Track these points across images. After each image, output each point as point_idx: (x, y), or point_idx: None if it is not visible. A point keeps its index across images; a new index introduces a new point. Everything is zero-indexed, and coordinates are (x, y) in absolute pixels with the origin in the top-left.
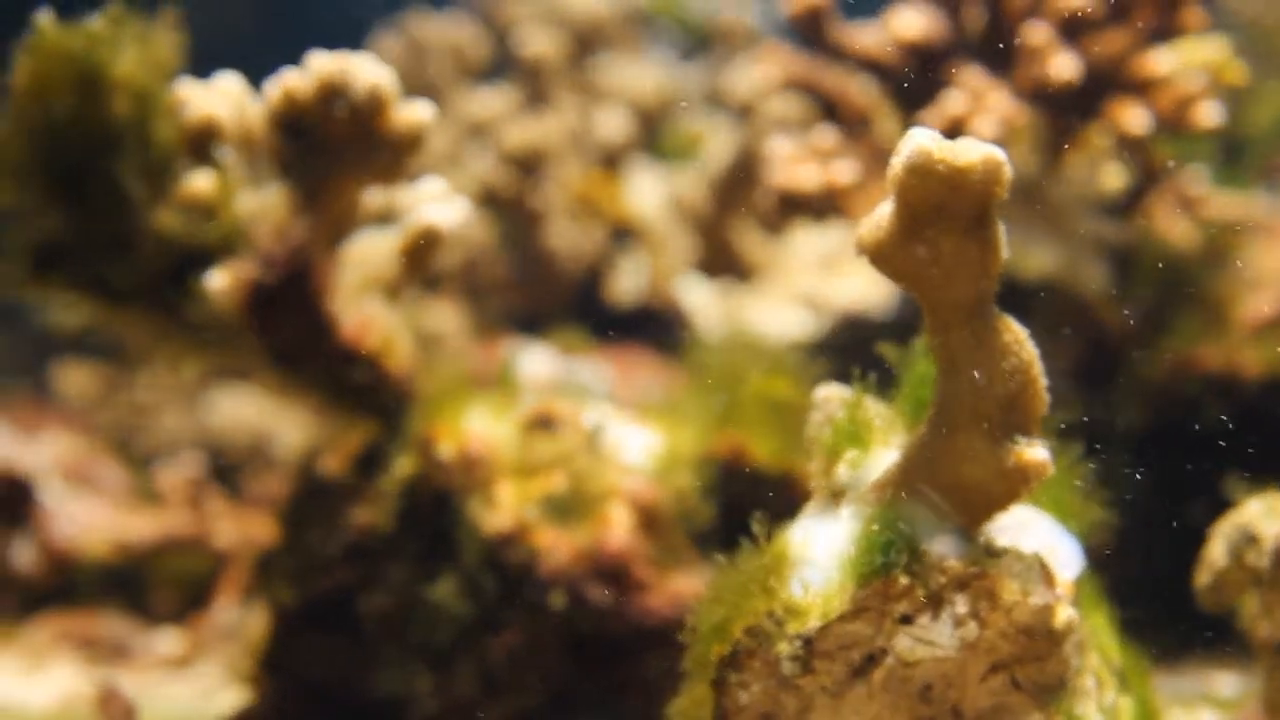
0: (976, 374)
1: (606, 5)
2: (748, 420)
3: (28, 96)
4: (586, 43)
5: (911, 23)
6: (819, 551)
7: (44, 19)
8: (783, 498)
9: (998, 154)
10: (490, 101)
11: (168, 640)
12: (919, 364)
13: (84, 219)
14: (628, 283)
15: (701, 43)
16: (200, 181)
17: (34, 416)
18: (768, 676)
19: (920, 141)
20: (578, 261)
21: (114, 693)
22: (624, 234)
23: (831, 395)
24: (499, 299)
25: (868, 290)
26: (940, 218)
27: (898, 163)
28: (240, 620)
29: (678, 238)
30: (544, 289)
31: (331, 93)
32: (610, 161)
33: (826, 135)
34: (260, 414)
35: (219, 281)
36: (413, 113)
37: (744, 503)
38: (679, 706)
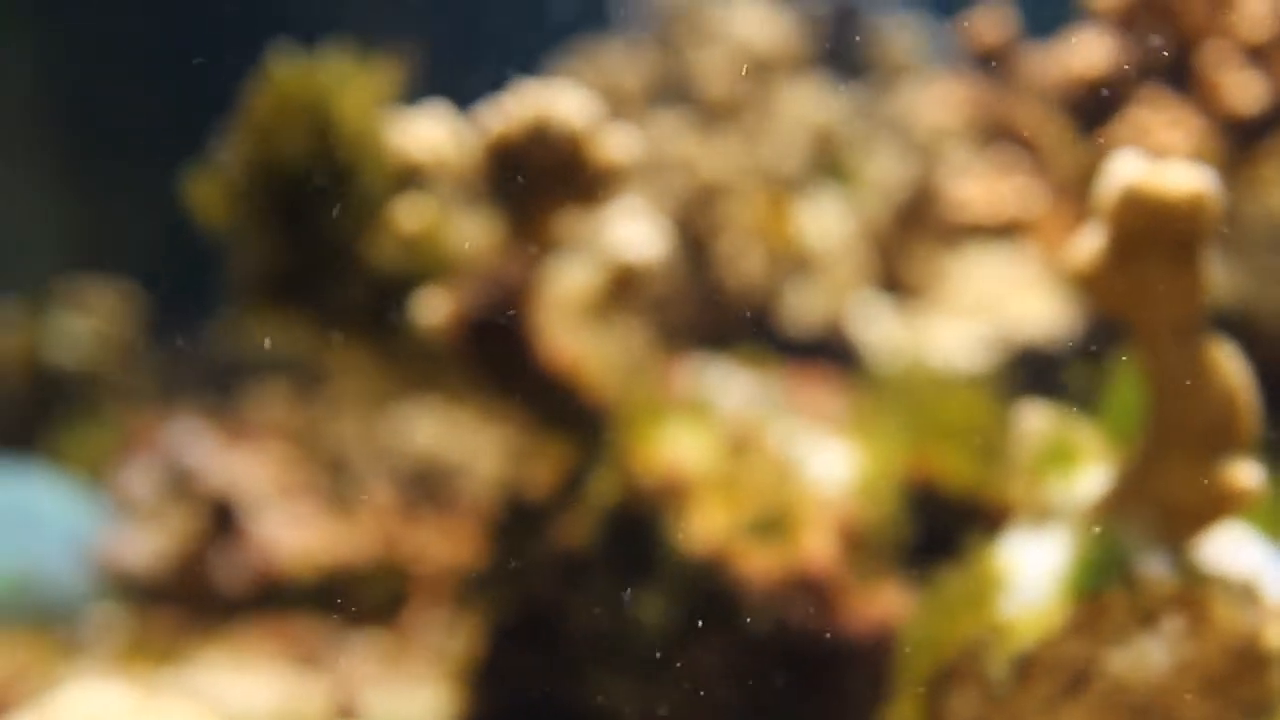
0: (1186, 395)
1: (776, 31)
2: (938, 442)
3: (260, 135)
4: (758, 68)
5: (1092, 51)
6: (1029, 571)
7: (276, 60)
8: (977, 519)
9: (1207, 180)
10: (666, 126)
11: (369, 650)
12: (1123, 384)
13: (305, 249)
14: (802, 307)
15: (858, 70)
16: (413, 213)
17: (232, 434)
18: (979, 694)
19: (1130, 168)
20: (753, 286)
21: (337, 695)
22: (798, 259)
23: (1035, 416)
24: (676, 318)
25: (1046, 315)
26: (1150, 244)
27: (1107, 189)
28: (440, 633)
29: (852, 264)
30: (720, 312)
31: (541, 125)
32: (784, 187)
33: (1008, 162)
34: (451, 434)
35: (431, 309)
36: (616, 143)
37: (939, 524)
38: None
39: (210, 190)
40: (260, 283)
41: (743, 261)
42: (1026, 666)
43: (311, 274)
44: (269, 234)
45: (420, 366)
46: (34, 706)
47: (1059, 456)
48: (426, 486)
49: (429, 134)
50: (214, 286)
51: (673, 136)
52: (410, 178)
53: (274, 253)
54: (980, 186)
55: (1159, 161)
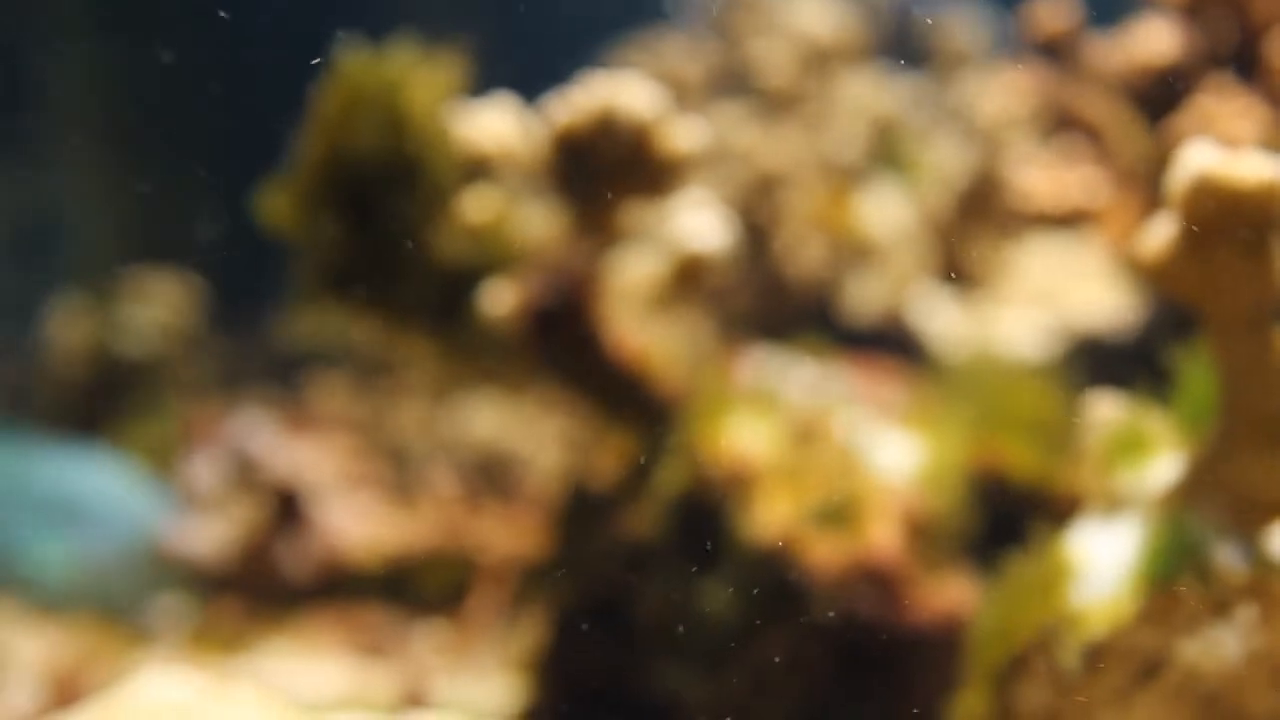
0: (1258, 384)
1: (835, 21)
2: (1004, 432)
3: (331, 127)
4: (817, 58)
5: (1158, 39)
6: (1100, 560)
7: (346, 55)
8: (1043, 510)
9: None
10: (726, 117)
11: (434, 638)
12: (1194, 373)
13: (373, 241)
14: (863, 297)
15: (916, 58)
16: (480, 204)
17: (295, 425)
18: (1049, 684)
19: (1202, 157)
20: (813, 276)
21: (405, 683)
22: (859, 249)
23: (1105, 405)
24: (736, 308)
25: (1109, 304)
26: (1223, 233)
27: (1179, 179)
28: (504, 622)
29: (913, 253)
30: (780, 302)
31: (608, 116)
32: (844, 177)
33: (1074, 152)
34: (513, 425)
35: (498, 300)
36: (683, 133)
37: (1005, 514)
38: (959, 711)
39: (281, 187)
40: (328, 275)
41: (803, 251)
42: (1098, 656)
43: (379, 266)
44: (338, 226)
45: (486, 357)
46: (105, 694)
47: (1130, 446)
48: (488, 476)
49: (495, 126)
50: (273, 279)
51: (733, 127)
52: (477, 170)
53: (342, 245)
54: (1045, 176)
55: (1231, 150)
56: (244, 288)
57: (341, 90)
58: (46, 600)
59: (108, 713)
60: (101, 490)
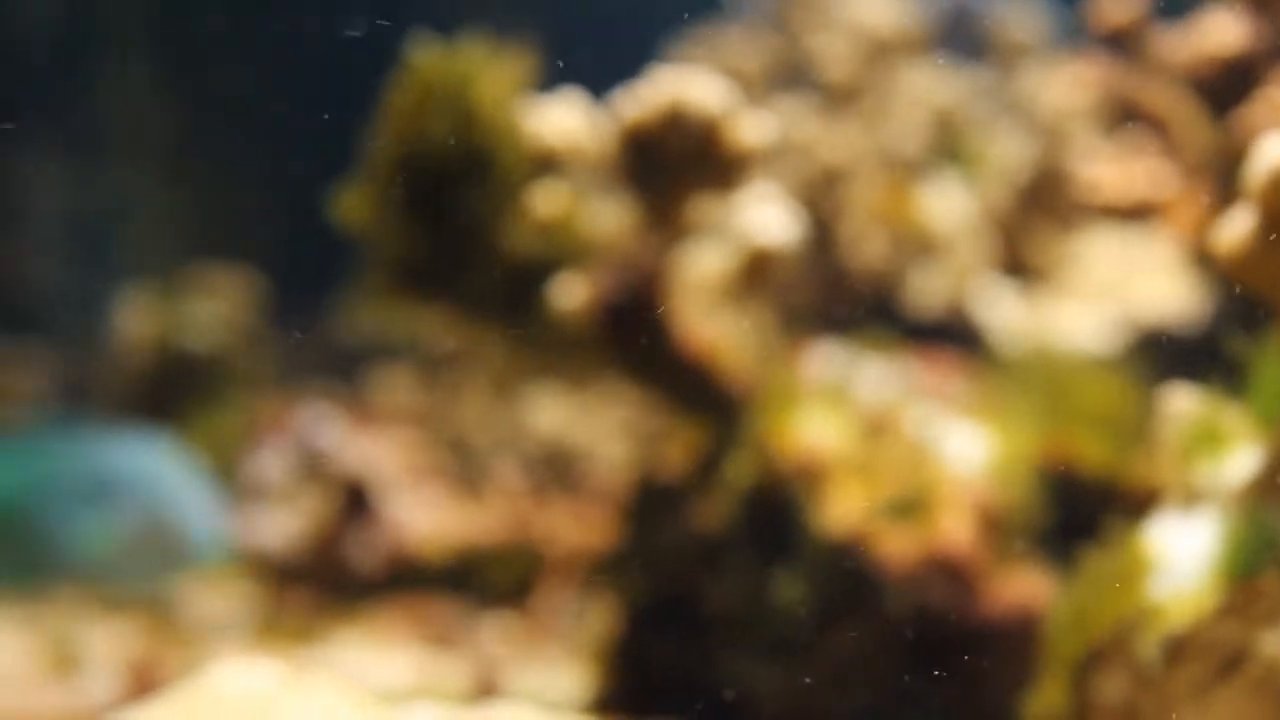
0: None
1: (895, 14)
2: (1073, 425)
3: (403, 125)
4: (878, 52)
5: (1225, 32)
6: (1179, 553)
7: (418, 52)
8: (1115, 503)
9: None
10: (787, 111)
11: (502, 629)
12: (1271, 366)
13: (443, 237)
14: (925, 290)
15: (976, 51)
16: (549, 199)
17: (359, 418)
18: (1129, 675)
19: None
20: (876, 269)
21: (477, 674)
22: (920, 242)
23: (1181, 398)
24: (799, 301)
25: (1175, 297)
26: None
27: (1257, 170)
28: (571, 614)
29: (975, 246)
30: (843, 296)
31: (677, 110)
32: (906, 171)
33: (1139, 144)
34: (577, 418)
35: (569, 294)
36: (751, 130)
37: (1075, 507)
38: (1036, 704)
39: (354, 183)
40: (399, 269)
41: (865, 245)
42: (1178, 649)
43: (450, 259)
44: (410, 221)
45: (554, 351)
46: (186, 683)
47: (1207, 439)
48: (553, 470)
49: (564, 121)
50: (332, 274)
51: (794, 121)
52: (546, 164)
53: (414, 239)
54: (1111, 168)
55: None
56: (303, 283)
57: (413, 87)
58: (87, 575)
59: (191, 700)
60: (137, 466)
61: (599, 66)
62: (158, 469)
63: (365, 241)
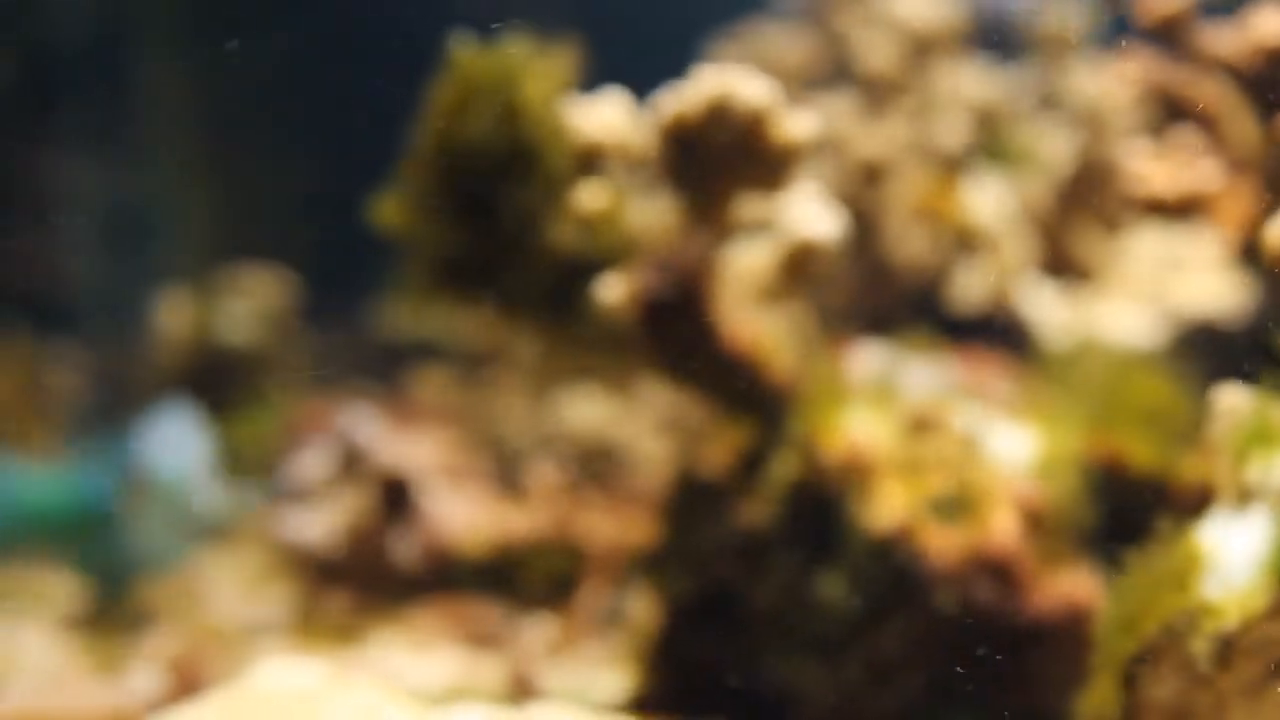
0: None
1: (936, 11)
2: (1119, 423)
3: (447, 121)
4: (919, 49)
5: (1274, 23)
6: (1232, 552)
7: (460, 48)
8: (1163, 501)
9: None
10: (828, 107)
11: (542, 627)
12: None
13: (486, 235)
14: (968, 287)
15: (1018, 47)
16: (592, 196)
17: (398, 417)
18: (1181, 674)
19: None
20: (918, 266)
21: (516, 673)
22: (963, 239)
23: (1233, 396)
24: (841, 298)
25: (1221, 294)
26: None
27: None
28: (613, 611)
29: (1019, 243)
30: (885, 293)
31: (721, 106)
32: (949, 167)
33: (1186, 139)
34: (616, 416)
35: (612, 291)
36: (795, 126)
37: (1123, 505)
38: (1087, 702)
39: (396, 179)
40: (441, 266)
41: (907, 241)
42: (1230, 648)
43: (493, 257)
44: (452, 217)
45: (596, 348)
46: (232, 681)
47: (1260, 437)
48: (592, 468)
49: (608, 118)
50: (368, 273)
51: (835, 117)
52: (590, 161)
53: (456, 236)
54: (1156, 163)
55: None
56: (340, 282)
57: (456, 83)
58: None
59: (236, 700)
60: (156, 444)
61: (640, 66)
62: (171, 443)
63: (404, 240)
